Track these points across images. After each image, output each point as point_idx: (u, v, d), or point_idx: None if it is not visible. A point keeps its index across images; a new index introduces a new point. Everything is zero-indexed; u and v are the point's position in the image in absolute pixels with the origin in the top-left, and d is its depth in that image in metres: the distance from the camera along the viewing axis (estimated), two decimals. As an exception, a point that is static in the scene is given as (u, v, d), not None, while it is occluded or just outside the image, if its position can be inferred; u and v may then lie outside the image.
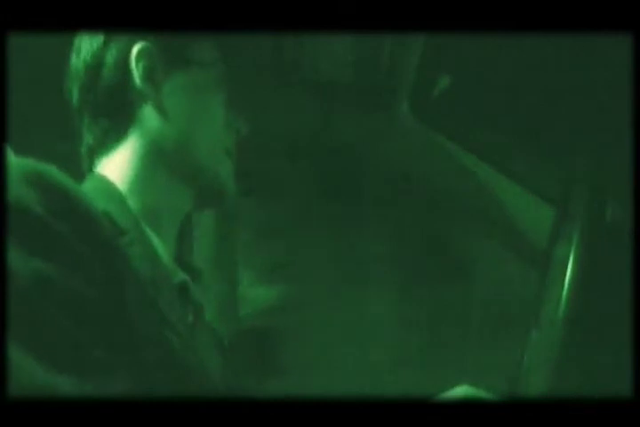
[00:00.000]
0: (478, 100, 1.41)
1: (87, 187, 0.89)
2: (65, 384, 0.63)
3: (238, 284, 1.64)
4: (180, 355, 0.78)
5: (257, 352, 1.61)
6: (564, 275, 0.79)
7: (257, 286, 1.64)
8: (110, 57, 0.93)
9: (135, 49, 0.93)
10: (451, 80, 1.41)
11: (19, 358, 0.61)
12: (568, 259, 0.81)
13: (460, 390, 0.80)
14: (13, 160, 0.73)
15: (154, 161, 0.93)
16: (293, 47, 1.37)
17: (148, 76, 0.93)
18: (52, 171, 0.73)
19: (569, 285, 0.79)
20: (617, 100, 1.12)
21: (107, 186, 0.90)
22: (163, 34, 0.94)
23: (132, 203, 0.89)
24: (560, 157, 1.32)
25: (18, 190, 0.69)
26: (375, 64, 1.41)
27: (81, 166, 0.97)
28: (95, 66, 0.93)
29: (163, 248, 0.90)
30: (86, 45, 0.94)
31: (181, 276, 0.91)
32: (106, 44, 0.93)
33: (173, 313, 0.82)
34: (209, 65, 0.97)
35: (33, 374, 0.62)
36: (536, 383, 0.91)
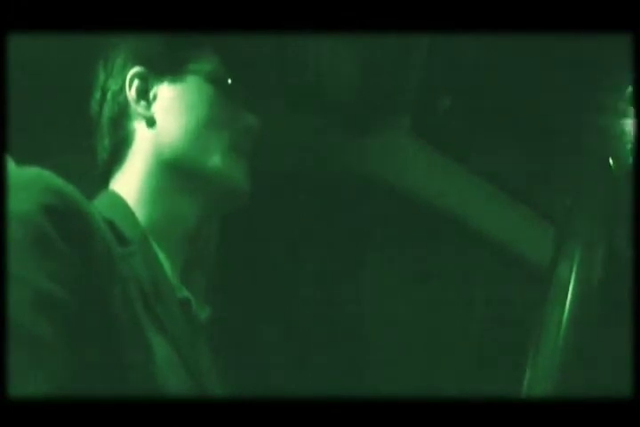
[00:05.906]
0: (480, 118, 1.41)
1: (98, 202, 0.91)
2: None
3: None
4: (173, 361, 0.79)
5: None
6: (566, 294, 0.79)
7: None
8: (110, 93, 0.98)
9: (129, 74, 0.97)
10: (453, 98, 1.40)
11: None
12: (570, 278, 0.80)
13: None
14: (12, 167, 0.74)
15: (157, 175, 0.94)
16: (296, 63, 1.36)
17: (142, 95, 0.97)
18: (50, 176, 0.74)
19: (570, 303, 0.80)
20: (617, 100, 1.12)
21: (116, 200, 0.92)
22: (160, 41, 0.97)
23: (141, 218, 0.91)
24: (562, 173, 1.32)
25: (14, 196, 0.70)
26: (377, 82, 1.40)
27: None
28: (99, 105, 0.99)
29: (168, 264, 0.92)
30: (94, 92, 1.00)
31: (185, 293, 0.92)
32: (105, 82, 0.98)
33: (173, 323, 0.83)
34: (207, 74, 0.98)
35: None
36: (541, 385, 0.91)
